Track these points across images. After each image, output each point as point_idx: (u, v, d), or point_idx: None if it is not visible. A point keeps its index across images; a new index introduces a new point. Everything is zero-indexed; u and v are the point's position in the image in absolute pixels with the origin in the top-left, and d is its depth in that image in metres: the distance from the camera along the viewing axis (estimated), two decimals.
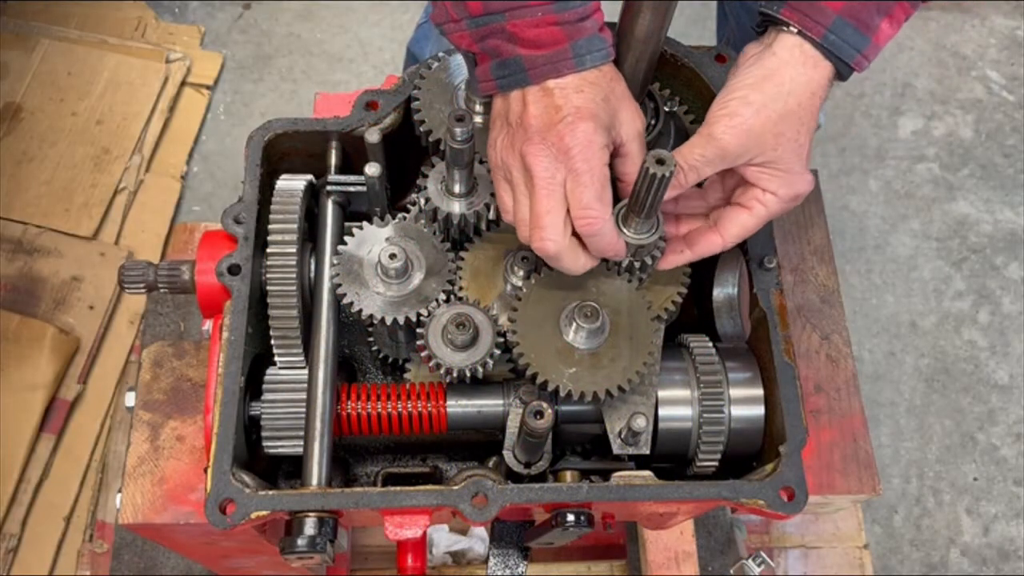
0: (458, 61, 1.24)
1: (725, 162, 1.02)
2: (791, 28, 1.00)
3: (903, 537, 2.40)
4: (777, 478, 1.07)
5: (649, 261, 1.09)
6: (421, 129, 1.21)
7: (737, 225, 1.07)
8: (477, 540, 1.99)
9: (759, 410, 1.16)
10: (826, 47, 0.99)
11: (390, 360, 1.28)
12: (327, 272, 1.17)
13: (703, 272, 1.30)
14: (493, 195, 1.15)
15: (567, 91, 0.98)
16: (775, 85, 0.99)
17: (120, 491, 1.26)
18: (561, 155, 0.97)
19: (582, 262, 1.03)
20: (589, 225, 0.99)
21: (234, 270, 1.14)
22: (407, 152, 1.28)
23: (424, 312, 1.13)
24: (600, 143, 0.98)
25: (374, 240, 1.16)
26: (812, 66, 1.00)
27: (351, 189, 1.22)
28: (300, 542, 1.03)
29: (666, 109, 1.23)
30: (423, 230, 1.18)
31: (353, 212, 1.25)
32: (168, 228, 2.57)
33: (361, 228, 1.18)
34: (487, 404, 1.16)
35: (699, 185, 1.07)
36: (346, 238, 1.17)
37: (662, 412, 1.15)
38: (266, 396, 1.15)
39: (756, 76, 1.00)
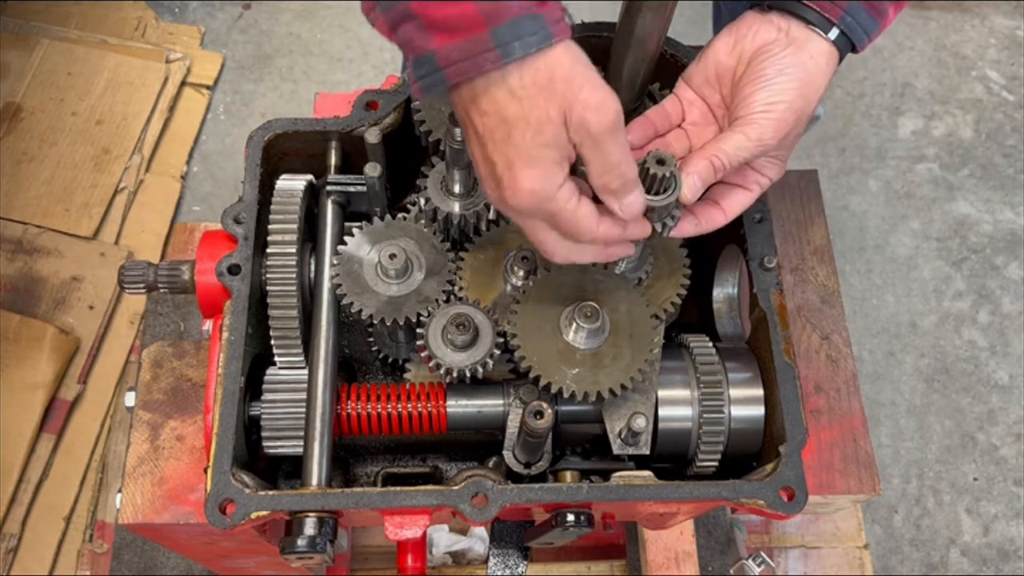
0: None
1: (760, 156, 1.03)
2: (828, 33, 1.00)
3: (903, 537, 2.40)
4: (777, 478, 1.07)
5: (669, 222, 1.03)
6: (421, 129, 1.21)
7: (739, 203, 1.08)
8: (477, 540, 1.99)
9: (759, 410, 1.16)
10: (841, 28, 1.00)
11: (390, 360, 1.28)
12: (327, 272, 1.17)
13: (703, 272, 1.31)
14: None
15: (498, 106, 0.83)
16: (814, 91, 1.00)
17: (120, 491, 1.26)
18: (523, 215, 0.92)
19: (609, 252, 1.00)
20: (601, 257, 0.98)
21: (234, 270, 1.14)
22: (407, 152, 1.28)
23: (424, 312, 1.13)
24: (556, 182, 0.87)
25: (374, 240, 1.16)
26: (834, 67, 1.02)
27: (351, 189, 1.22)
28: (300, 542, 1.03)
29: None
30: (423, 230, 1.18)
31: (353, 212, 1.25)
32: (168, 228, 2.57)
33: (361, 228, 1.18)
34: (487, 404, 1.16)
35: None
36: (346, 238, 1.17)
37: (662, 412, 1.15)
38: (266, 396, 1.15)
39: (800, 81, 1.00)
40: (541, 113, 0.83)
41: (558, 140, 0.85)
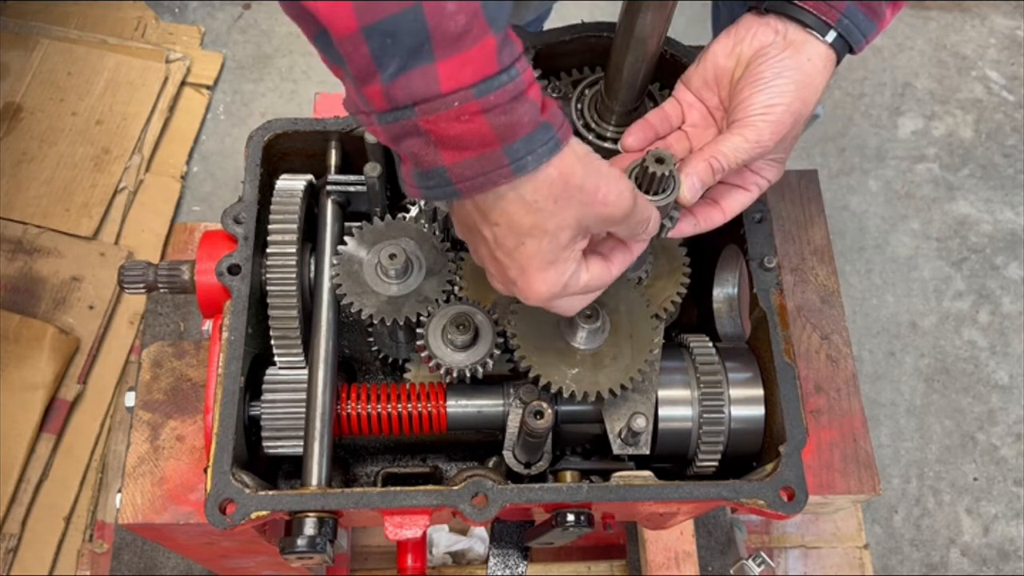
0: None
1: (758, 158, 1.03)
2: (825, 36, 1.00)
3: (903, 537, 2.40)
4: (777, 478, 1.07)
5: (668, 223, 1.03)
6: None
7: (738, 203, 1.08)
8: (477, 540, 1.99)
9: (759, 410, 1.16)
10: (838, 31, 1.01)
11: (390, 360, 1.28)
12: (327, 272, 1.17)
13: (703, 272, 1.31)
14: None
15: (510, 217, 0.82)
16: (812, 93, 1.01)
17: (120, 491, 1.26)
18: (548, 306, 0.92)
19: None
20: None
21: (234, 270, 1.14)
22: None
23: (424, 312, 1.13)
24: (568, 274, 0.87)
25: (374, 240, 1.16)
26: (832, 69, 1.03)
27: (351, 189, 1.22)
28: (300, 542, 1.03)
29: None
30: (423, 230, 1.18)
31: (353, 212, 1.25)
32: (168, 228, 2.57)
33: (361, 228, 1.18)
34: (487, 404, 1.16)
35: None
36: (346, 238, 1.17)
37: (662, 412, 1.15)
38: (266, 396, 1.15)
39: (797, 83, 1.00)
40: (559, 221, 0.82)
41: (574, 241, 0.85)
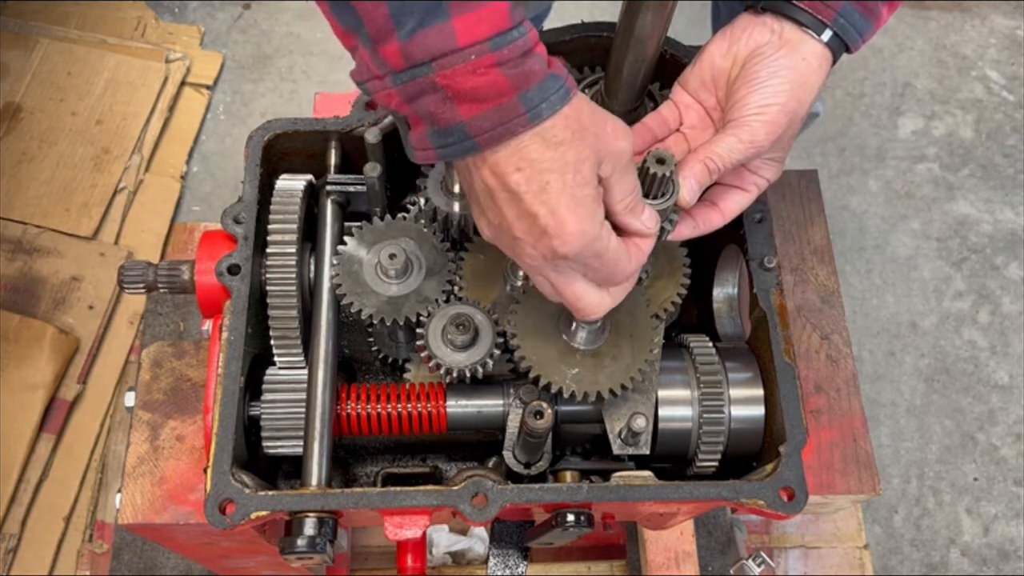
0: None
1: (754, 158, 1.03)
2: (821, 35, 1.00)
3: (903, 537, 2.40)
4: (777, 478, 1.07)
5: (668, 227, 1.03)
6: None
7: (736, 204, 1.08)
8: (477, 540, 1.99)
9: (759, 410, 1.16)
10: (835, 30, 1.01)
11: (390, 360, 1.28)
12: (327, 272, 1.17)
13: (703, 272, 1.31)
14: None
15: (531, 159, 0.83)
16: (807, 93, 1.01)
17: (120, 491, 1.26)
18: (567, 264, 0.90)
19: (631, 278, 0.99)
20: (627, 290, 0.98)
21: (234, 270, 1.14)
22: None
23: (424, 312, 1.13)
24: (599, 218, 0.87)
25: (374, 240, 1.16)
26: (827, 69, 1.02)
27: (351, 189, 1.22)
28: (300, 542, 1.03)
29: None
30: (423, 230, 1.18)
31: (353, 212, 1.25)
32: (168, 228, 2.57)
33: (361, 228, 1.18)
34: (487, 404, 1.16)
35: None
36: (346, 238, 1.17)
37: (662, 412, 1.15)
38: (266, 396, 1.15)
39: (792, 83, 1.00)
40: (578, 153, 0.84)
41: (593, 176, 0.86)
